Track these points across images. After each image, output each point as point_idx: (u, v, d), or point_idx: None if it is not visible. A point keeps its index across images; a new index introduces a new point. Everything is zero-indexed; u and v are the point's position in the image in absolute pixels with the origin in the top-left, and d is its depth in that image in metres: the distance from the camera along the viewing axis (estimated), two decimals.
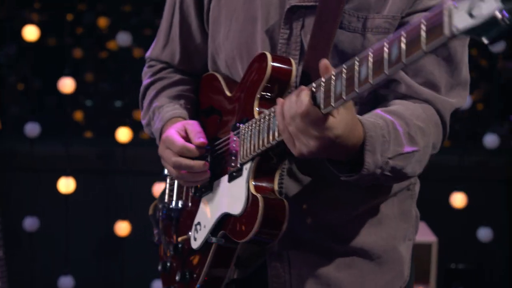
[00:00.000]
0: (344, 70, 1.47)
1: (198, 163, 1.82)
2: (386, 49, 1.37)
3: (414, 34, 1.30)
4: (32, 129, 4.14)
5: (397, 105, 1.75)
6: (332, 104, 1.49)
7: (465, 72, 1.81)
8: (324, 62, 1.54)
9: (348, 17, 1.75)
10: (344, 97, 1.47)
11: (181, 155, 1.82)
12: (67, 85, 4.14)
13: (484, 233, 4.20)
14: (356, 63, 1.44)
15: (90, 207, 4.48)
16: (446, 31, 1.23)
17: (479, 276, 4.38)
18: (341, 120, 1.54)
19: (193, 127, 1.85)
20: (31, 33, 4.14)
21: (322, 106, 1.51)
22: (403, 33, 1.33)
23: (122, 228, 4.24)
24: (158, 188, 4.08)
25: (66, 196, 4.17)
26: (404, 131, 1.68)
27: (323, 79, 1.53)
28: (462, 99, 1.82)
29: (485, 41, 1.21)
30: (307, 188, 1.82)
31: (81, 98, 5.29)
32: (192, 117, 1.97)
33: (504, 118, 4.82)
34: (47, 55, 5.12)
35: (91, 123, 5.39)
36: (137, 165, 4.39)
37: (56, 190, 4.16)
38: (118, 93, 5.20)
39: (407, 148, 1.68)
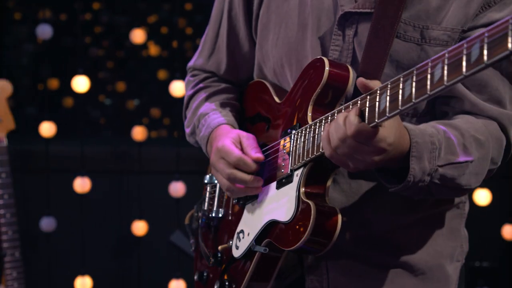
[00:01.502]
0: (389, 86, 1.43)
1: (254, 178, 1.76)
2: (464, 50, 1.28)
3: (499, 33, 1.21)
4: (47, 129, 4.11)
5: (457, 119, 1.69)
6: (376, 120, 1.45)
7: None
8: (360, 80, 1.50)
9: (403, 26, 1.68)
10: (387, 114, 1.43)
11: (237, 167, 1.76)
12: (81, 84, 4.10)
13: (509, 231, 4.10)
14: (401, 79, 1.41)
15: (106, 207, 4.45)
16: None
17: (504, 274, 4.29)
18: (391, 127, 1.50)
19: (249, 141, 1.79)
20: (46, 32, 4.10)
21: (366, 121, 1.47)
22: (485, 32, 1.24)
23: (139, 227, 4.20)
24: (174, 188, 4.03)
25: (81, 196, 4.15)
26: (458, 141, 1.62)
27: (367, 95, 1.49)
28: None
29: None
30: (350, 198, 1.76)
31: (100, 97, 5.27)
32: (238, 125, 1.92)
33: None
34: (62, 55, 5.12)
35: (107, 123, 5.36)
36: (152, 165, 4.36)
37: (72, 190, 4.12)
38: (135, 92, 5.17)
39: (461, 158, 1.61)
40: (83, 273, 4.12)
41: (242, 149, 1.78)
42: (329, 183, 1.67)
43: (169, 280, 4.12)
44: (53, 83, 5.15)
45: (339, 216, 1.62)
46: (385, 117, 1.43)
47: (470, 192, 1.74)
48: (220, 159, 1.79)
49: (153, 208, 4.31)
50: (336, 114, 1.58)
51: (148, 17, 5.20)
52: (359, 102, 1.51)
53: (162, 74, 5.10)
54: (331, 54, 1.74)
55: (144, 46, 5.06)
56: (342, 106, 1.57)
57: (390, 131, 1.50)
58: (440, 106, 1.73)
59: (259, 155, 1.76)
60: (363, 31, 1.70)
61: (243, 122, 1.96)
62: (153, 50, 5.19)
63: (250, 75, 1.97)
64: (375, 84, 1.50)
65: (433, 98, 1.68)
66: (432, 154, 1.58)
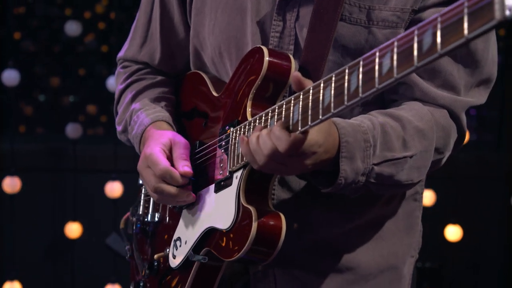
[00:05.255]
0: (334, 79, 1.29)
1: (181, 192, 1.62)
2: (415, 38, 1.14)
3: (453, 18, 1.08)
4: None
5: (402, 105, 1.58)
6: (309, 123, 1.33)
7: (488, 69, 1.63)
8: (295, 75, 1.37)
9: (348, 7, 1.56)
10: (332, 110, 1.29)
11: (163, 179, 1.62)
12: (12, 78, 3.90)
13: (452, 231, 4.11)
14: (347, 70, 1.27)
15: (38, 208, 4.30)
16: (498, 13, 1.01)
17: (447, 275, 4.30)
18: (319, 128, 1.38)
19: (180, 150, 1.64)
20: None
21: (299, 127, 1.35)
22: (438, 17, 1.10)
23: (73, 229, 4.06)
24: (110, 188, 3.90)
25: (12, 196, 3.98)
26: (397, 134, 1.51)
27: (300, 94, 1.37)
28: (482, 98, 1.65)
29: None
30: (299, 198, 1.63)
31: (33, 93, 5.09)
32: (174, 121, 1.78)
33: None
34: None
35: (41, 119, 5.18)
36: (88, 163, 4.21)
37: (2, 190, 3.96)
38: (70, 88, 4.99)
39: (399, 153, 1.51)
40: (12, 278, 3.96)
41: (172, 158, 1.65)
42: (272, 184, 1.54)
43: (104, 285, 3.99)
44: None
45: (283, 223, 1.50)
46: (330, 114, 1.29)
47: (413, 186, 1.62)
48: (147, 168, 1.65)
49: (88, 209, 4.17)
50: (276, 110, 1.45)
51: (85, 11, 5.03)
52: (301, 97, 1.38)
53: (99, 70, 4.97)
54: (272, 42, 1.62)
55: (81, 40, 4.90)
56: (283, 102, 1.43)
57: (319, 132, 1.39)
58: (388, 94, 1.63)
59: (187, 169, 1.62)
60: (306, 15, 1.58)
61: (180, 117, 1.81)
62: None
63: (187, 64, 1.82)
64: (310, 83, 1.38)
65: None
66: (366, 152, 1.46)
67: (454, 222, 4.11)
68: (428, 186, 4.12)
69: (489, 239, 4.40)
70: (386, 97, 1.63)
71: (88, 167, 4.25)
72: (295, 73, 1.38)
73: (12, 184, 3.90)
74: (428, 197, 4.06)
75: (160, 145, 1.65)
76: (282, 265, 1.64)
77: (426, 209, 4.24)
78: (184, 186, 1.63)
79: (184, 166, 1.62)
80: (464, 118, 1.63)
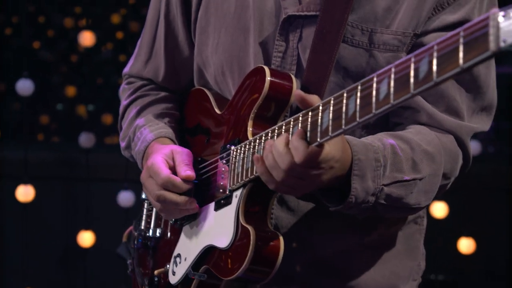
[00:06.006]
0: (332, 102, 1.30)
1: (185, 199, 1.61)
2: (412, 65, 1.16)
3: (448, 48, 1.08)
4: None
5: (408, 129, 1.58)
6: (318, 139, 1.33)
7: (490, 95, 1.63)
8: (298, 93, 1.38)
9: (351, 29, 1.56)
10: (330, 133, 1.30)
11: (165, 188, 1.62)
12: (26, 87, 3.93)
13: (465, 244, 4.07)
14: (345, 94, 1.28)
15: (51, 216, 4.31)
16: (492, 45, 1.02)
17: (458, 287, 4.25)
18: (336, 142, 1.38)
19: (182, 157, 1.64)
20: None
21: (308, 140, 1.35)
22: (434, 45, 1.11)
23: (85, 238, 4.07)
24: (122, 197, 3.90)
25: (25, 205, 3.99)
26: (406, 156, 1.50)
27: (308, 111, 1.37)
28: (485, 125, 1.64)
29: None
30: (299, 218, 1.62)
31: (50, 102, 5.13)
32: (177, 137, 1.78)
33: None
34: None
35: (57, 128, 5.21)
36: (101, 172, 4.22)
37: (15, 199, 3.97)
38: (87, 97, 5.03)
39: (408, 176, 1.50)
40: (24, 286, 3.98)
41: (174, 166, 1.64)
42: (271, 204, 1.54)
43: None
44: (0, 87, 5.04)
45: (282, 242, 1.50)
46: (328, 137, 1.31)
47: (420, 210, 1.62)
48: (149, 178, 1.65)
49: (100, 218, 4.17)
50: (276, 131, 1.45)
51: (104, 21, 5.08)
52: (300, 119, 1.38)
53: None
54: (274, 62, 1.62)
55: (97, 50, 4.94)
56: (283, 123, 1.44)
57: (336, 147, 1.38)
58: (394, 117, 1.62)
59: (189, 173, 1.61)
60: (308, 35, 1.58)
61: (183, 133, 1.81)
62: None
63: (191, 81, 1.82)
64: (314, 99, 1.38)
65: None
66: (376, 172, 1.45)
67: (467, 235, 4.08)
68: (440, 198, 4.09)
69: (502, 251, 4.36)
70: (391, 121, 1.62)
71: (101, 176, 4.26)
72: (297, 91, 1.39)
73: (25, 193, 3.92)
74: (441, 209, 4.03)
75: (162, 155, 1.65)
76: (281, 284, 1.63)
77: (438, 221, 4.22)
78: (187, 194, 1.63)
79: (186, 171, 1.61)
80: (469, 145, 1.62)
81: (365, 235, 1.64)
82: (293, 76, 1.56)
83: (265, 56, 1.62)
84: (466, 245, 4.08)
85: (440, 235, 4.06)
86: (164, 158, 1.64)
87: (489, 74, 1.60)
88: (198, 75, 1.78)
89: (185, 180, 1.61)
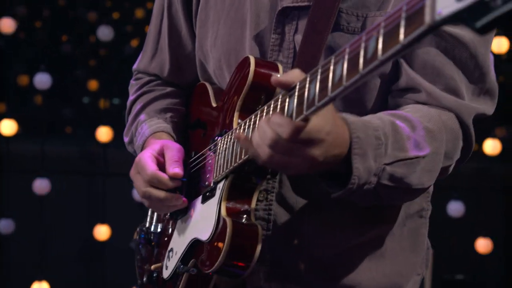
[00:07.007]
0: (320, 71, 1.23)
1: (169, 196, 1.59)
2: (363, 43, 1.10)
3: (393, 23, 1.03)
4: (8, 127, 3.98)
5: (407, 109, 1.52)
6: (305, 112, 1.25)
7: (491, 78, 1.56)
8: (273, 79, 1.33)
9: (346, 16, 1.53)
10: (316, 103, 1.22)
11: (152, 185, 1.60)
12: (43, 81, 3.96)
13: (483, 244, 4.03)
14: (332, 61, 1.19)
15: (67, 210, 4.33)
16: (428, 17, 0.96)
17: (476, 287, 4.20)
18: (324, 115, 1.29)
19: (172, 153, 1.62)
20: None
21: (294, 115, 1.27)
22: (382, 22, 1.06)
23: (102, 232, 4.09)
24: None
25: (41, 198, 4.02)
26: (408, 133, 1.44)
27: (290, 89, 1.30)
28: (489, 108, 1.58)
29: (474, 29, 0.94)
30: (297, 214, 1.59)
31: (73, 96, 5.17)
32: (179, 132, 1.77)
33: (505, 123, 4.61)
34: None
35: (76, 122, 5.25)
36: (117, 167, 4.24)
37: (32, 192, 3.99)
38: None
39: (411, 153, 1.43)
40: (40, 279, 4.00)
41: (164, 162, 1.63)
42: (255, 197, 1.51)
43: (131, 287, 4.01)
44: (23, 80, 5.07)
45: (260, 233, 1.47)
46: (314, 107, 1.23)
47: (423, 192, 1.55)
48: (137, 174, 1.64)
49: (117, 212, 4.19)
50: (259, 114, 1.41)
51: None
52: (280, 98, 1.33)
53: None
54: (271, 55, 1.59)
55: (123, 43, 4.96)
56: (264, 106, 1.40)
57: (325, 119, 1.30)
58: (393, 98, 1.57)
59: (177, 171, 1.59)
60: (303, 27, 1.55)
61: (187, 128, 1.80)
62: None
63: (197, 76, 1.81)
64: (294, 74, 1.31)
65: (385, 92, 1.55)
66: (378, 151, 1.38)
67: (484, 235, 4.03)
68: (457, 198, 4.05)
69: None
70: (390, 103, 1.57)
71: (118, 170, 4.28)
72: (273, 77, 1.34)
73: (42, 186, 3.95)
74: (457, 209, 3.99)
75: (151, 150, 1.63)
76: (280, 282, 1.60)
77: (455, 220, 4.17)
78: (176, 190, 1.61)
79: (174, 168, 1.59)
80: (472, 127, 1.55)
81: (364, 233, 1.60)
82: (279, 65, 1.53)
83: (262, 49, 1.60)
84: (483, 245, 4.03)
85: (455, 235, 4.03)
86: (153, 154, 1.62)
87: (487, 55, 1.55)
88: (201, 70, 1.77)
89: (172, 177, 1.59)
